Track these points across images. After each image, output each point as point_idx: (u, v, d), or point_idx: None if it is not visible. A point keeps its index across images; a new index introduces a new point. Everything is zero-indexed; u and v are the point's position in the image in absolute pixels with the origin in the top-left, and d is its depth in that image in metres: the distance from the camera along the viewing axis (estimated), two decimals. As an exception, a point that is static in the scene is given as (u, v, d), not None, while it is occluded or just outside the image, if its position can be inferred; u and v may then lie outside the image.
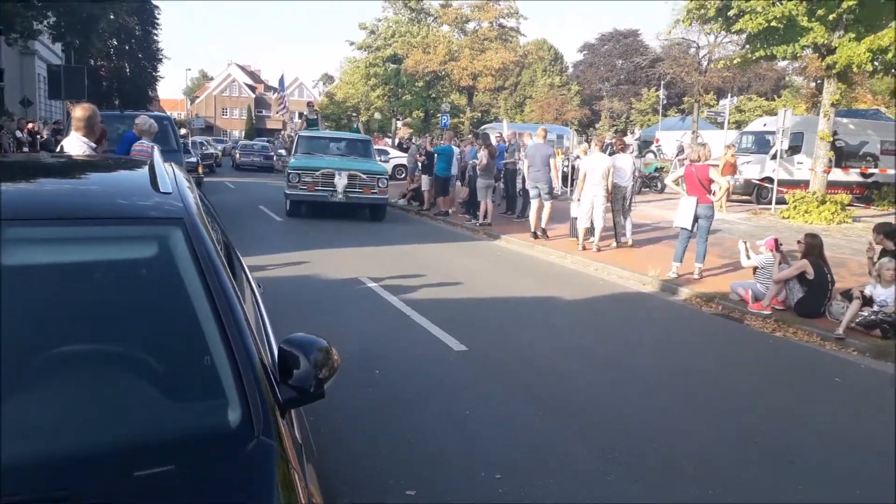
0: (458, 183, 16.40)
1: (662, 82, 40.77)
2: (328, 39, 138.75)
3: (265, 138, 47.50)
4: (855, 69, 16.25)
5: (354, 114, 46.01)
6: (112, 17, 24.30)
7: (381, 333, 6.24)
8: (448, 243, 12.03)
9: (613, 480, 3.66)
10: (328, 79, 59.66)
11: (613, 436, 4.22)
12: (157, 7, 35.84)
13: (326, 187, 13.62)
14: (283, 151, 34.53)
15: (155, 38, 37.21)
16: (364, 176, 13.85)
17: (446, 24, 38.64)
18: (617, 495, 3.51)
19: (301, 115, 23.08)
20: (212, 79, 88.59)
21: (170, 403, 1.73)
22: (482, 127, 27.54)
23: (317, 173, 13.65)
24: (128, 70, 36.01)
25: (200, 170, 17.95)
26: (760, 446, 4.19)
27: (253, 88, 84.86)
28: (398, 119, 45.74)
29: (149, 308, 1.94)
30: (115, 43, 34.26)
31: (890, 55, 15.43)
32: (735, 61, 19.59)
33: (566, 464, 3.83)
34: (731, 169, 16.81)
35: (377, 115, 42.66)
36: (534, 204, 12.17)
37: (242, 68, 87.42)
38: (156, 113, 19.09)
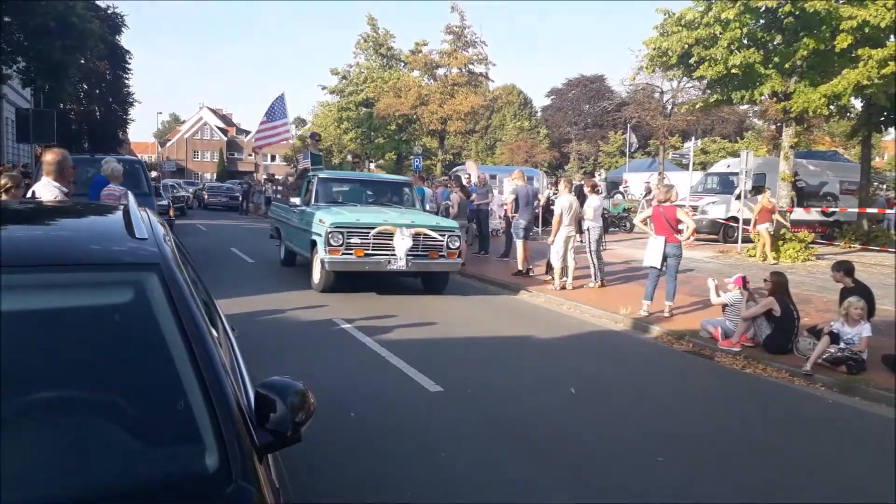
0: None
1: (629, 125, 41.72)
2: (300, 84, 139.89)
3: (236, 180, 47.36)
4: (811, 113, 16.86)
5: (328, 157, 46.20)
6: (83, 61, 24.25)
7: (356, 375, 6.21)
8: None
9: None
10: (300, 122, 60.02)
11: (590, 473, 4.22)
12: (128, 52, 35.89)
13: (382, 251, 9.80)
14: (268, 194, 34.38)
15: (126, 82, 37.19)
16: (434, 234, 10.05)
17: (416, 69, 39.24)
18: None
19: (308, 140, 18.39)
20: (183, 122, 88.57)
21: (147, 449, 1.72)
22: (454, 169, 27.85)
23: (371, 233, 9.71)
24: (98, 113, 35.84)
25: (171, 212, 17.82)
26: (735, 480, 4.23)
27: (225, 132, 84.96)
28: (371, 161, 46.01)
29: (125, 354, 1.94)
30: (86, 87, 34.10)
31: (844, 100, 16.07)
32: (697, 106, 20.19)
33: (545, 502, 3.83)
34: (768, 215, 16.01)
35: (350, 158, 42.85)
36: (519, 244, 12.41)
37: (214, 111, 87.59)
38: (127, 157, 19.00)
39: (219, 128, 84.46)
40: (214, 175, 72.37)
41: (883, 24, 14.31)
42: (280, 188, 34.51)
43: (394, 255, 9.74)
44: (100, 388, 1.83)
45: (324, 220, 9.94)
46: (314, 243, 10.23)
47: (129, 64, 36.50)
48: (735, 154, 28.81)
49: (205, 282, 3.87)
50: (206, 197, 38.77)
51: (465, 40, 37.37)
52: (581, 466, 4.37)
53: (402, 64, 42.03)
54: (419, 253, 9.91)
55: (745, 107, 35.84)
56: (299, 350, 7.02)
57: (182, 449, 1.74)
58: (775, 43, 17.20)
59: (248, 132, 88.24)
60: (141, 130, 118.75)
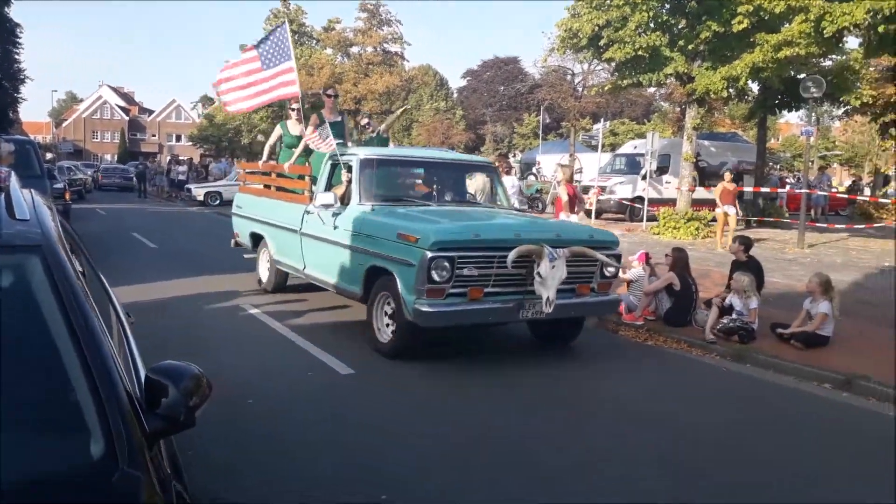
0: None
1: (542, 107, 42.46)
2: (207, 60, 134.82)
3: (137, 161, 45.33)
4: (712, 95, 17.65)
5: (236, 137, 44.89)
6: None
7: (264, 360, 6.11)
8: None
9: (506, 489, 3.76)
10: (207, 101, 57.92)
11: (496, 451, 4.33)
12: (18, 25, 33.50)
13: (511, 288, 5.97)
14: (171, 176, 32.90)
15: (16, 57, 34.75)
16: (593, 254, 6.20)
17: (330, 47, 38.55)
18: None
19: (321, 99, 10.91)
20: (81, 100, 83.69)
21: (28, 440, 1.65)
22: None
23: (506, 258, 5.68)
24: (-15, 91, 33.39)
25: (68, 196, 16.86)
26: (637, 450, 4.43)
27: (126, 111, 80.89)
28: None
29: (3, 340, 1.84)
30: (-29, 62, 31.75)
31: (742, 83, 16.91)
32: (606, 88, 20.75)
33: (455, 481, 3.89)
34: (730, 196, 15.22)
35: (260, 138, 41.74)
36: None
37: (115, 90, 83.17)
38: (17, 137, 17.78)
39: (120, 107, 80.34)
40: (115, 156, 68.91)
41: (777, 11, 15.09)
42: (186, 170, 33.33)
43: (530, 293, 5.88)
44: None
45: (413, 233, 5.73)
46: (375, 274, 6.25)
47: (19, 38, 34.09)
48: (642, 136, 29.84)
49: (104, 268, 3.72)
50: (100, 178, 38.83)
51: (380, 18, 37.01)
52: (489, 437, 4.47)
53: (315, 41, 41.19)
54: (565, 287, 6.03)
55: (653, 89, 37.21)
56: (203, 336, 6.83)
57: (66, 438, 1.68)
58: (680, 27, 17.88)
59: (151, 111, 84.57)
60: (34, 110, 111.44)
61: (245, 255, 9.84)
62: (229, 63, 9.65)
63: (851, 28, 14.75)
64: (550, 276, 5.71)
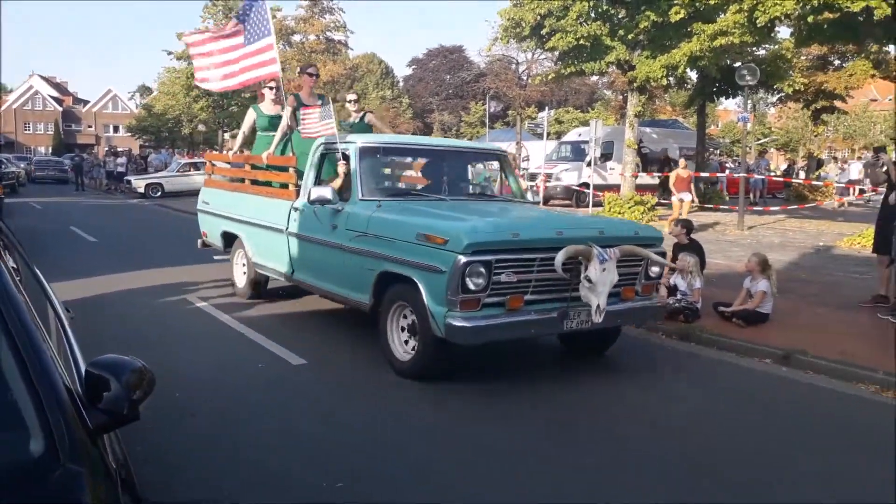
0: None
1: (487, 96, 42.62)
2: (143, 49, 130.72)
3: (72, 153, 43.74)
4: (653, 83, 18.02)
5: (176, 127, 43.72)
6: None
7: (212, 353, 5.99)
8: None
9: (452, 480, 3.78)
10: (146, 90, 56.23)
11: (452, 436, 4.35)
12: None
13: (552, 295, 5.17)
14: (109, 168, 31.80)
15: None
16: (641, 252, 5.46)
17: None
18: (462, 494, 3.63)
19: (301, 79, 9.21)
20: (11, 91, 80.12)
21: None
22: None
23: (546, 260, 4.95)
24: None
25: (0, 190, 16.18)
26: (590, 422, 4.52)
27: (59, 101, 77.85)
28: (225, 131, 44.04)
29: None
30: None
31: (681, 71, 17.30)
32: (550, 77, 20.94)
33: (407, 466, 3.90)
34: (685, 184, 15.28)
35: (201, 128, 40.75)
36: None
37: (46, 80, 79.89)
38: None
39: (52, 97, 77.25)
40: (49, 149, 66.34)
41: (712, 2, 15.48)
42: (124, 162, 32.31)
43: (574, 299, 5.10)
44: None
45: (440, 233, 4.87)
46: (387, 281, 5.38)
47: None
48: (586, 123, 30.27)
49: (41, 264, 3.58)
50: (33, 170, 38.49)
51: (322, 6, 36.47)
52: (439, 427, 4.49)
53: (256, 30, 40.33)
54: (615, 292, 5.40)
55: (595, 78, 37.74)
56: (147, 330, 6.65)
57: (3, 436, 1.63)
58: (620, 16, 18.16)
59: (86, 102, 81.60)
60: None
61: (215, 257, 8.83)
62: (202, 31, 8.66)
63: (782, 18, 15.21)
64: (601, 280, 4.96)
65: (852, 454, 4.24)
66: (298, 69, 9.36)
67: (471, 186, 7.62)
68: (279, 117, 7.88)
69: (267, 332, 6.51)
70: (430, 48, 57.24)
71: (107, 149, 44.02)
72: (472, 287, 4.69)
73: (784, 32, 20.37)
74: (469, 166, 7.77)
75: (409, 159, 7.90)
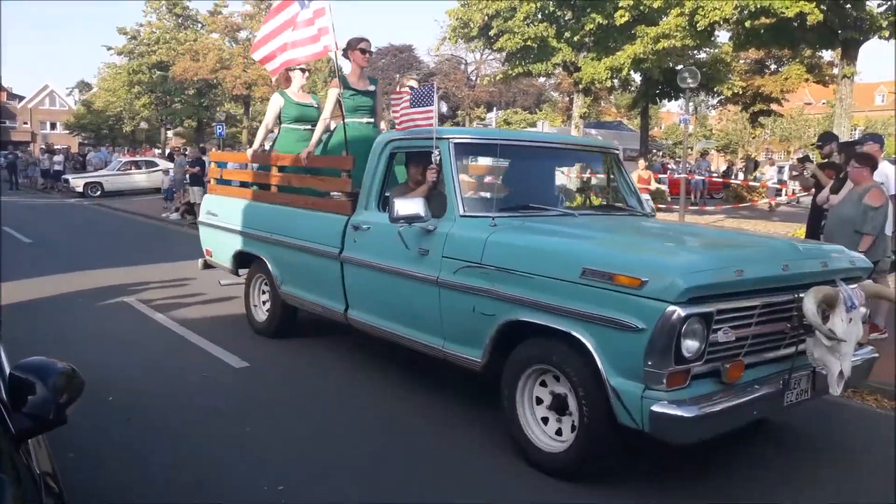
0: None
1: (436, 96, 42.65)
2: (81, 44, 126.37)
3: (6, 151, 42.13)
4: (597, 85, 18.37)
5: (117, 124, 42.51)
6: None
7: (152, 357, 5.85)
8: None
9: (398, 481, 3.79)
10: (85, 86, 54.48)
11: (395, 441, 4.36)
12: None
13: (772, 354, 3.69)
14: (44, 167, 30.65)
15: None
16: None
17: (216, 31, 37.10)
18: (407, 496, 3.65)
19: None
20: (-63, 85, 76.50)
21: None
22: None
23: (764, 302, 3.50)
24: None
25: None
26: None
27: (-9, 96, 74.72)
28: (168, 129, 43.05)
29: None
30: None
31: (625, 72, 17.69)
32: (498, 77, 21.14)
33: (351, 469, 3.89)
34: (646, 184, 15.54)
35: (144, 125, 39.74)
36: None
37: (-24, 73, 76.54)
38: None
39: (-16, 92, 74.12)
40: (-18, 146, 63.61)
41: (656, 5, 15.87)
42: (61, 160, 31.24)
43: (800, 356, 3.69)
44: None
45: (632, 270, 3.34)
46: (515, 334, 3.94)
47: None
48: (534, 124, 30.64)
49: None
50: None
51: (270, 3, 35.93)
52: (386, 428, 4.50)
53: (200, 25, 39.52)
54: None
55: (543, 79, 38.21)
56: (82, 333, 6.45)
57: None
58: (566, 18, 18.46)
59: (21, 97, 78.52)
60: None
61: (221, 282, 7.24)
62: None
63: (722, 22, 15.71)
64: (849, 334, 3.54)
65: None
66: (346, 43, 6.10)
67: (562, 194, 5.83)
68: (310, 107, 6.62)
69: (209, 335, 6.39)
70: (380, 47, 56.95)
71: (43, 146, 42.51)
72: (687, 354, 3.21)
73: (723, 37, 21.01)
74: (559, 169, 6.38)
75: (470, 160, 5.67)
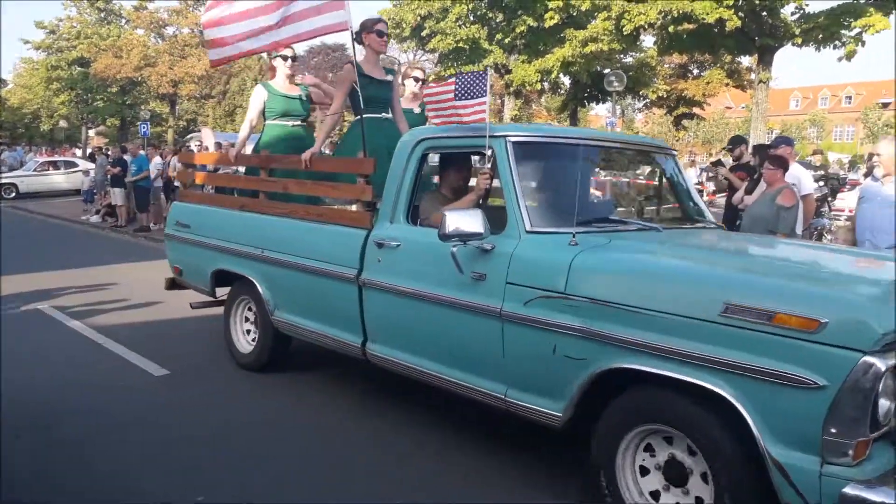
0: (163, 196, 15.29)
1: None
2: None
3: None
4: (528, 87, 18.65)
5: (34, 123, 40.60)
6: None
7: (66, 366, 5.59)
8: (149, 262, 11.14)
9: (320, 488, 3.73)
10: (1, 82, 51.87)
11: (317, 447, 4.29)
12: None
13: None
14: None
15: None
16: None
17: (141, 27, 35.91)
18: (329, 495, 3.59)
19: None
20: None
21: None
22: (188, 136, 26.13)
23: None
24: None
25: None
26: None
27: None
28: (89, 128, 41.39)
29: None
30: None
31: (554, 75, 18.00)
32: (431, 79, 21.16)
33: (272, 477, 3.81)
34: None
35: (63, 124, 38.08)
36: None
37: None
38: None
39: None
40: None
41: (584, 8, 16.22)
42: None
43: None
44: None
45: (794, 306, 2.48)
46: (609, 384, 3.05)
47: None
48: (467, 125, 30.83)
49: None
50: None
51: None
52: (309, 436, 4.43)
53: (124, 21, 38.19)
54: None
55: (475, 80, 38.47)
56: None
57: None
58: (498, 20, 18.66)
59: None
60: None
61: (191, 304, 6.08)
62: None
63: (647, 27, 16.19)
64: None
65: None
66: (359, 25, 5.07)
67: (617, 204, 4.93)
68: (298, 100, 5.85)
69: (127, 343, 6.15)
70: (311, 46, 56.26)
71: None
72: (882, 419, 2.47)
73: (649, 41, 21.64)
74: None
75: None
